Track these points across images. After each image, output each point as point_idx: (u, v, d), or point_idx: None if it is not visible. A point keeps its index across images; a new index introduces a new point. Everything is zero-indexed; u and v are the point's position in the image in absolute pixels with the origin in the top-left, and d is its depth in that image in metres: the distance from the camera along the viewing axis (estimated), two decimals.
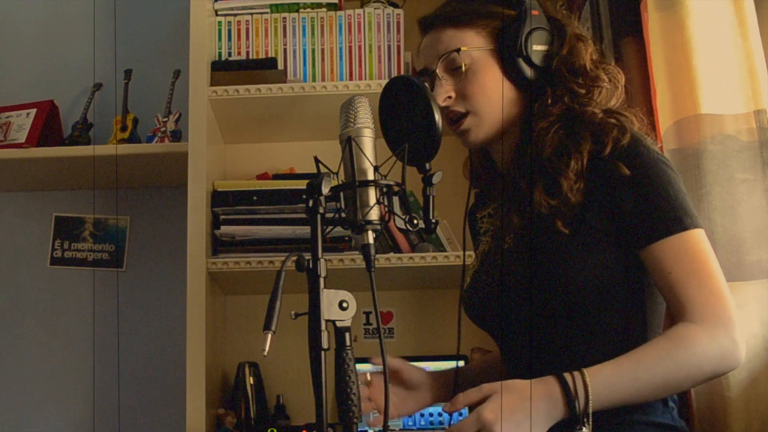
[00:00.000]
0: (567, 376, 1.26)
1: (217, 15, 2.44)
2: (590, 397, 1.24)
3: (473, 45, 1.46)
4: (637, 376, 1.27)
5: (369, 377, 1.55)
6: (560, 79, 1.44)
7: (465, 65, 1.45)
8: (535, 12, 1.45)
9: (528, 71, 1.44)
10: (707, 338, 1.27)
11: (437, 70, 1.47)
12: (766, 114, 1.61)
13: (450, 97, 1.47)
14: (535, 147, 1.42)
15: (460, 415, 1.62)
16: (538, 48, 1.44)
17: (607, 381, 1.26)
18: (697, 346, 1.27)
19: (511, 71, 1.45)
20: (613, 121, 1.39)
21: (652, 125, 1.76)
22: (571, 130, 1.40)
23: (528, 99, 1.47)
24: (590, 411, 1.24)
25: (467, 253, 1.64)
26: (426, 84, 1.40)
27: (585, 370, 1.26)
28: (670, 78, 1.72)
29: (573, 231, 1.36)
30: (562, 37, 1.46)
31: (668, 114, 1.71)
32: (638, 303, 1.39)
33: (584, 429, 1.25)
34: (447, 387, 1.61)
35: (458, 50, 1.45)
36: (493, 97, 1.46)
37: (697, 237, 1.33)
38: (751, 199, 1.58)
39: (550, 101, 1.43)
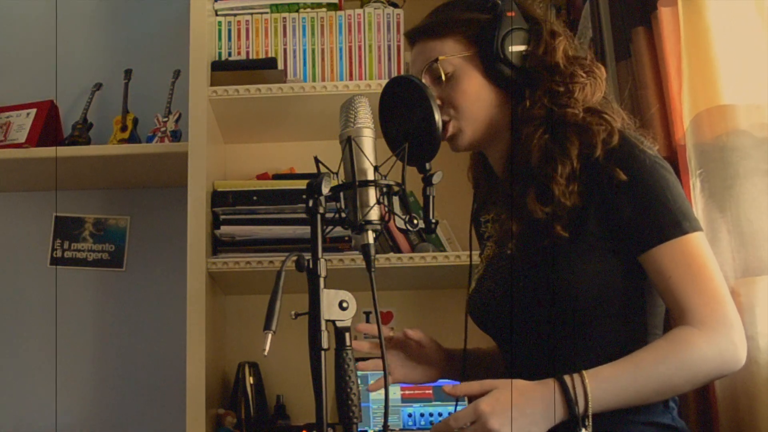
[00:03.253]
0: (567, 378, 1.27)
1: (217, 15, 2.44)
2: (589, 399, 1.25)
3: (452, 53, 1.47)
4: (636, 378, 1.27)
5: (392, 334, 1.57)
6: (537, 79, 1.44)
7: (446, 74, 1.46)
8: (510, 13, 1.45)
9: (507, 73, 1.44)
10: (706, 341, 1.27)
11: (423, 81, 1.47)
12: None
13: (438, 106, 1.47)
14: (523, 153, 1.41)
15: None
16: (515, 49, 1.44)
17: (607, 383, 1.27)
18: (696, 349, 1.27)
19: (491, 75, 1.46)
20: (597, 120, 1.38)
21: (664, 117, 1.74)
22: (556, 133, 1.39)
23: (513, 100, 1.46)
24: (590, 413, 1.25)
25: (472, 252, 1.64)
26: (426, 84, 1.41)
27: (584, 373, 1.27)
28: (691, 70, 1.69)
29: (573, 235, 1.35)
30: (538, 36, 1.46)
31: (690, 106, 1.69)
32: (638, 306, 1.39)
33: (584, 431, 1.25)
34: (455, 367, 1.62)
35: (437, 60, 1.46)
36: (476, 101, 1.46)
37: (697, 241, 1.33)
38: None
39: (529, 104, 1.43)
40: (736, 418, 1.53)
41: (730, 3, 1.65)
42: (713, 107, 1.61)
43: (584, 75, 1.44)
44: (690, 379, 1.29)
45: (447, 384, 1.32)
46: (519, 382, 1.28)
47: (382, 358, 1.23)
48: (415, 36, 1.53)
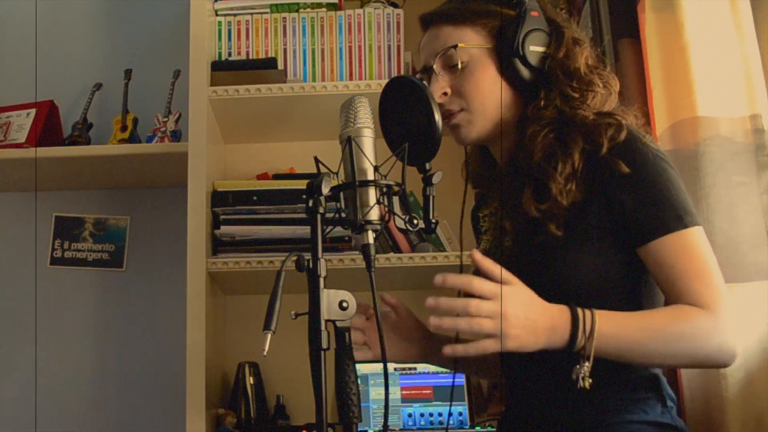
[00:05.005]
0: (579, 309, 1.27)
1: (217, 15, 2.44)
2: (594, 335, 1.25)
3: (471, 43, 1.46)
4: (642, 333, 1.28)
5: (369, 311, 1.54)
6: (554, 82, 1.44)
7: (462, 62, 1.46)
8: (534, 13, 1.45)
9: (524, 72, 1.44)
10: (710, 322, 1.28)
11: (434, 66, 1.47)
12: (761, 118, 1.63)
13: (446, 94, 1.48)
14: (526, 150, 1.42)
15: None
16: (535, 49, 1.44)
17: (615, 327, 1.27)
18: (701, 325, 1.28)
19: (507, 71, 1.45)
20: (608, 120, 1.39)
21: (649, 126, 1.77)
22: (562, 133, 1.40)
23: (523, 100, 1.47)
24: (591, 351, 1.25)
25: (466, 252, 1.64)
26: (426, 84, 1.41)
27: (596, 312, 1.27)
28: (668, 80, 1.73)
29: (571, 228, 1.36)
30: (560, 40, 1.46)
31: (665, 116, 1.73)
32: (636, 300, 1.39)
33: (586, 364, 1.25)
34: (438, 350, 1.60)
35: (455, 47, 1.46)
36: (488, 95, 1.46)
37: (697, 235, 1.34)
38: (747, 202, 1.60)
39: (543, 104, 1.43)
40: (706, 424, 1.54)
41: (707, 13, 1.68)
42: (689, 118, 1.66)
43: (601, 85, 1.45)
44: (689, 351, 1.29)
45: (476, 252, 1.29)
46: (536, 296, 1.28)
47: (383, 358, 1.23)
48: (432, 20, 1.52)
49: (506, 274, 1.27)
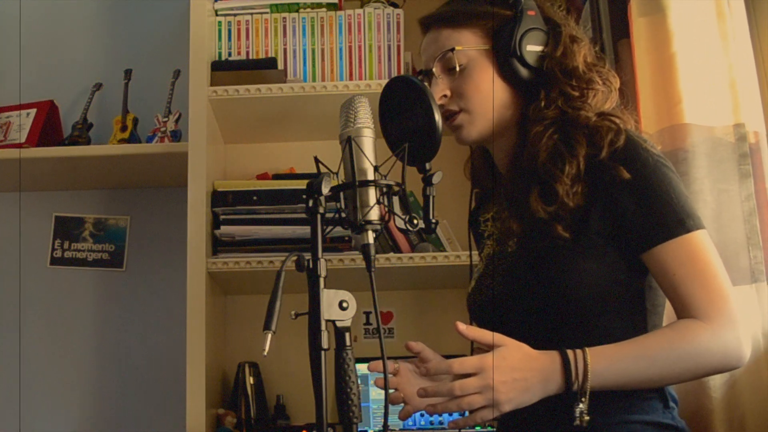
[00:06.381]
0: (569, 352, 1.29)
1: (217, 15, 2.44)
2: (589, 375, 1.27)
3: (469, 45, 1.47)
4: (638, 361, 1.29)
5: (397, 366, 1.53)
6: (554, 81, 1.44)
7: (460, 65, 1.46)
8: (531, 12, 1.45)
9: (522, 71, 1.44)
10: (711, 334, 1.28)
11: (434, 70, 1.48)
12: (745, 127, 1.64)
13: (446, 96, 1.48)
14: (530, 152, 1.42)
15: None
16: (532, 48, 1.44)
17: (609, 362, 1.28)
18: (700, 341, 1.28)
19: (505, 71, 1.45)
20: (607, 123, 1.39)
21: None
22: (566, 134, 1.40)
23: (524, 100, 1.47)
24: (587, 389, 1.27)
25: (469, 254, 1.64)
26: (426, 84, 1.41)
27: (587, 349, 1.28)
28: (656, 85, 1.74)
29: (574, 235, 1.36)
30: (557, 38, 1.46)
31: (652, 120, 1.74)
32: (638, 307, 1.40)
33: (581, 405, 1.27)
34: None
35: (453, 50, 1.46)
36: (488, 96, 1.46)
37: (700, 238, 1.33)
38: (730, 209, 1.63)
39: (543, 104, 1.43)
40: (693, 424, 1.56)
41: (694, 21, 1.69)
42: (676, 124, 1.67)
43: (600, 82, 1.45)
44: (692, 369, 1.30)
45: (459, 324, 1.31)
46: (526, 348, 1.30)
47: (383, 358, 1.23)
48: (430, 23, 1.52)
49: (498, 337, 1.29)
